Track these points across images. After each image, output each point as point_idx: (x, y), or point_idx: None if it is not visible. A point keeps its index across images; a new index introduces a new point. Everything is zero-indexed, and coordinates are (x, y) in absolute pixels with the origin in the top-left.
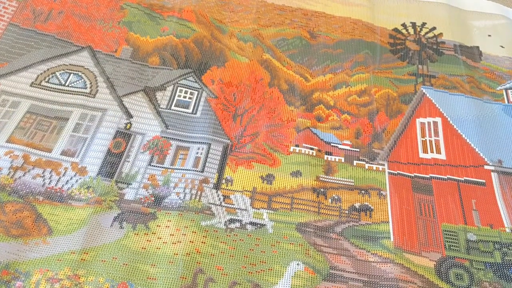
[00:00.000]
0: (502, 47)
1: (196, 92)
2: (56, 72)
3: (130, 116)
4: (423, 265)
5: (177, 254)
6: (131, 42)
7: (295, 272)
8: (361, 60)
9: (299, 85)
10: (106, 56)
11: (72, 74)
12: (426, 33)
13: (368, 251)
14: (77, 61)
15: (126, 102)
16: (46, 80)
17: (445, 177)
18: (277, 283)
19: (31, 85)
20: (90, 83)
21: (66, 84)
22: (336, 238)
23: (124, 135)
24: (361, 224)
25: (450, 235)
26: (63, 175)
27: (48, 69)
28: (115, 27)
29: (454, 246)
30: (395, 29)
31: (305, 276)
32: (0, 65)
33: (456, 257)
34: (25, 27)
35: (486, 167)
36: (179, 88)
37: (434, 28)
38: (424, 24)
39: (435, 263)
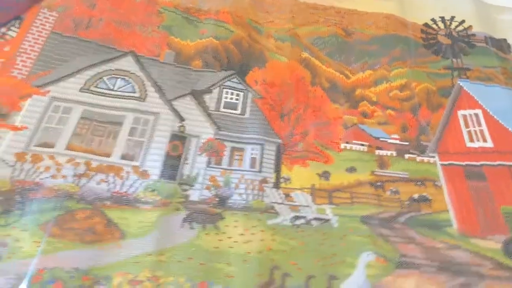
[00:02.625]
0: None
1: (242, 93)
2: (104, 77)
3: (182, 119)
4: (490, 247)
5: (250, 252)
6: (172, 46)
7: (367, 262)
8: (397, 55)
9: (341, 82)
10: (150, 61)
11: (119, 79)
12: (456, 26)
13: (434, 239)
14: (123, 66)
15: (176, 105)
16: (95, 85)
17: (496, 163)
18: (352, 274)
19: (80, 90)
20: (139, 88)
21: (115, 89)
22: (401, 228)
23: (179, 138)
24: (423, 214)
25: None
26: (127, 179)
27: (95, 74)
28: (155, 32)
29: None
30: (426, 24)
31: (378, 266)
32: (44, 73)
33: None
34: (68, 34)
35: None
36: (224, 90)
37: (463, 21)
38: (453, 17)
39: (501, 245)
